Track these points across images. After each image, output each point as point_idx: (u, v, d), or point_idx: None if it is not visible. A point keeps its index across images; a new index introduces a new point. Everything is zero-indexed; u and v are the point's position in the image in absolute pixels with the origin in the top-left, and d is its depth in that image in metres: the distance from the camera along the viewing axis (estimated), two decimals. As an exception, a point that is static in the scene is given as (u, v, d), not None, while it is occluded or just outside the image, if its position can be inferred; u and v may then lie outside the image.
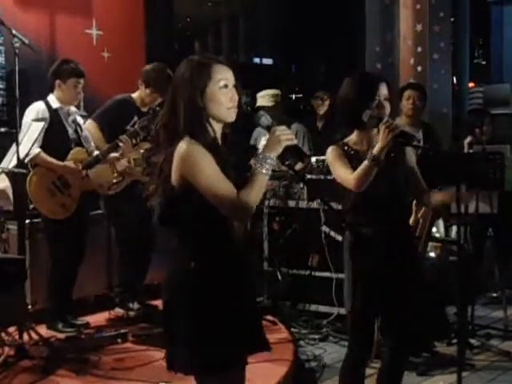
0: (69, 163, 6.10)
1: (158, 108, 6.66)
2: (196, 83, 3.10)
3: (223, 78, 3.14)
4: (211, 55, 3.24)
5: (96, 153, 6.22)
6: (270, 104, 7.47)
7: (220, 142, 3.22)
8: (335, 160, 4.14)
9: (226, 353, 3.14)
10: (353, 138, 4.22)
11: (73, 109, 6.29)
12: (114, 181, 6.40)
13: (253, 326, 3.28)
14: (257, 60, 21.06)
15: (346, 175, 4.06)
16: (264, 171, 3.06)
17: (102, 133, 6.39)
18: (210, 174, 3.04)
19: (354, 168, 4.05)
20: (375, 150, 3.97)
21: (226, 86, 3.14)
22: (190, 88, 3.11)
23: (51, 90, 6.14)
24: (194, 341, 3.11)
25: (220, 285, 3.15)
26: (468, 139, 7.34)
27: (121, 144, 6.16)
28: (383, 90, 4.07)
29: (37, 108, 6.02)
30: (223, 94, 3.14)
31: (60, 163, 6.07)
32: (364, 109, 4.03)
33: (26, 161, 5.70)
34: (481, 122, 7.33)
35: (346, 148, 4.17)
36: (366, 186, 3.99)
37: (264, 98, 7.55)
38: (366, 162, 3.97)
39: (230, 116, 3.18)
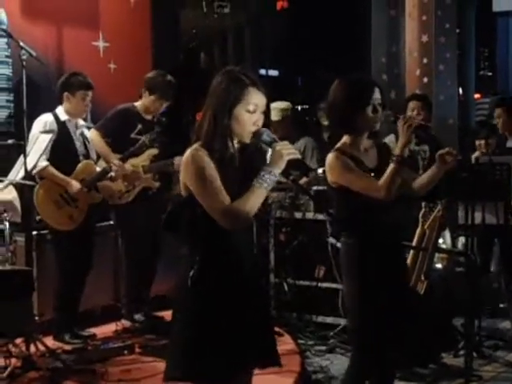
0: (74, 182, 6.11)
1: (163, 119, 6.70)
2: (227, 98, 3.15)
3: (253, 103, 3.19)
4: (251, 75, 3.26)
5: (99, 170, 6.26)
6: (276, 118, 7.36)
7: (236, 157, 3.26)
8: (348, 169, 3.99)
9: (224, 362, 3.16)
10: (345, 141, 4.13)
11: (81, 122, 6.31)
12: (125, 189, 6.42)
13: (259, 337, 3.28)
14: (263, 71, 21.02)
15: (371, 184, 3.98)
16: (264, 187, 3.10)
17: (106, 142, 6.40)
18: (207, 180, 3.09)
19: None
20: (398, 150, 3.97)
21: (254, 110, 3.19)
22: (220, 100, 3.16)
23: (60, 103, 6.17)
24: (192, 348, 3.14)
25: (219, 294, 3.18)
26: (476, 154, 7.29)
27: (114, 168, 6.20)
28: (377, 95, 4.05)
29: (45, 120, 6.05)
30: (248, 117, 3.18)
31: (65, 179, 6.09)
32: (359, 113, 4.01)
33: (33, 173, 5.72)
34: (486, 133, 7.31)
35: (345, 153, 4.07)
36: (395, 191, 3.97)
37: (272, 111, 7.43)
38: (392, 166, 3.93)
39: (248, 138, 3.22)
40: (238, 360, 3.20)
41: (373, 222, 4.04)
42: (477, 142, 7.31)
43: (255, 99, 3.19)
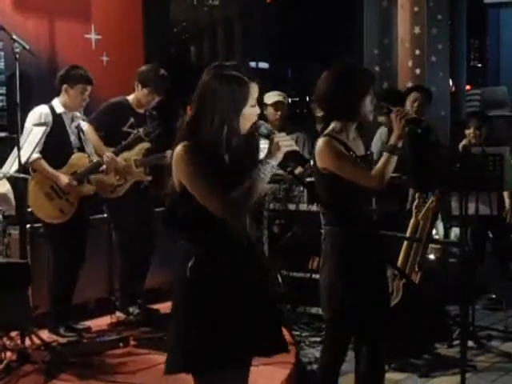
0: (62, 176, 6.09)
1: (154, 112, 6.69)
2: (236, 103, 3.13)
3: (254, 97, 3.20)
4: (242, 68, 3.22)
5: (91, 163, 6.24)
6: (282, 100, 7.44)
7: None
8: (340, 155, 3.99)
9: (222, 353, 3.17)
10: (335, 127, 4.09)
11: (77, 114, 6.29)
12: (116, 183, 6.41)
13: (259, 327, 3.28)
14: (253, 64, 21.02)
15: (363, 172, 3.99)
16: (262, 178, 3.12)
17: (99, 135, 6.40)
18: (203, 179, 3.09)
19: None
20: (392, 140, 3.97)
21: (256, 104, 3.21)
22: (229, 105, 3.12)
23: (57, 95, 6.15)
24: (192, 339, 3.16)
25: (217, 286, 3.18)
26: (463, 142, 7.31)
27: (105, 160, 6.19)
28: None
29: (40, 111, 6.03)
30: (253, 111, 3.20)
31: (54, 173, 6.06)
32: (361, 101, 4.00)
33: (26, 165, 5.70)
34: (476, 123, 7.32)
35: (335, 139, 4.05)
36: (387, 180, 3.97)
37: (278, 96, 7.47)
38: (385, 155, 3.94)
39: (246, 130, 3.23)
40: (237, 349, 3.21)
41: (358, 211, 4.06)
42: (466, 131, 7.32)
43: (255, 93, 3.21)
